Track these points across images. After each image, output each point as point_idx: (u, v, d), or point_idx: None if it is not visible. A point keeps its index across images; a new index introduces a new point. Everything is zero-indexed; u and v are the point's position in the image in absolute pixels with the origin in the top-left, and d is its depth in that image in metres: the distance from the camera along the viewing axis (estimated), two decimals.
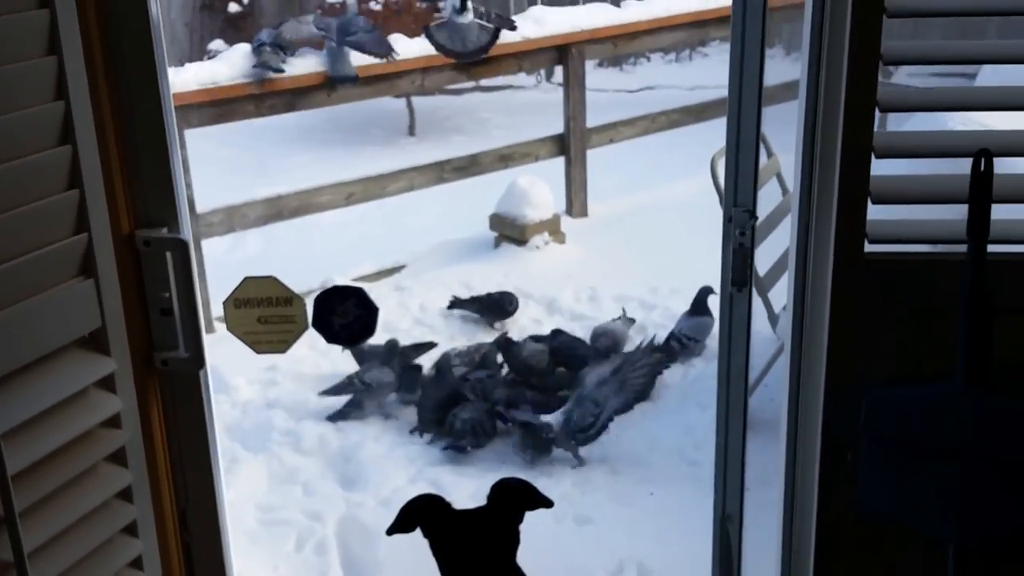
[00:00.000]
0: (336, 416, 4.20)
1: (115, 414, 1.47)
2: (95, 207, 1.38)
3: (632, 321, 4.84)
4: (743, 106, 1.64)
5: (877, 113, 1.56)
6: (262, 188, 5.60)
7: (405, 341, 4.61)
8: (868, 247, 1.60)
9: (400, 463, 3.87)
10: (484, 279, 5.26)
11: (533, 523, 1.64)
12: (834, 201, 1.57)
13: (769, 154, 4.45)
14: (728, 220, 1.74)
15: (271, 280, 1.62)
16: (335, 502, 3.58)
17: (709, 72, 9.52)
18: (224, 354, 3.96)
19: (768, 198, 4.22)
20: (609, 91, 8.88)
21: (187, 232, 1.54)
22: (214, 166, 6.25)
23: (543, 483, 1.65)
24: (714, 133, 5.06)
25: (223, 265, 5.17)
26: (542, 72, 9.79)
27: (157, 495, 1.58)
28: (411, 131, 8.84)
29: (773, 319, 3.95)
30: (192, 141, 4.77)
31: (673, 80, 9.77)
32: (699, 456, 3.79)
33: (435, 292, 5.32)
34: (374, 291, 4.21)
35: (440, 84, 6.54)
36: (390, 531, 1.61)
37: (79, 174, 1.35)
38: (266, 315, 1.63)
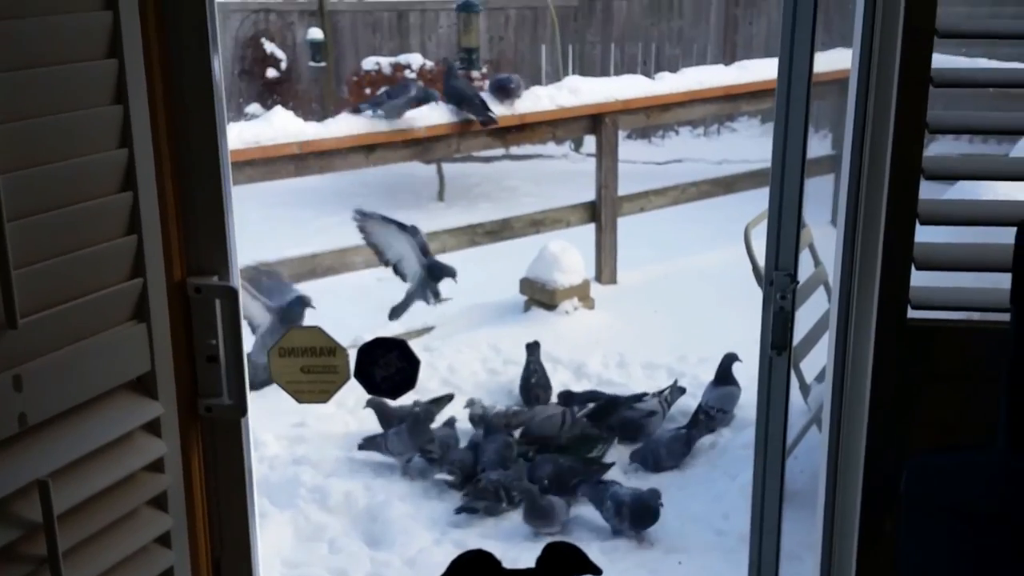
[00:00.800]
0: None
1: (159, 458, 1.47)
2: (151, 253, 1.41)
3: (682, 391, 4.73)
4: (787, 166, 1.66)
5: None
6: (295, 247, 5.66)
7: None
8: (911, 313, 1.61)
9: (425, 523, 3.85)
10: (513, 342, 5.27)
11: None
12: (877, 267, 1.57)
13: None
14: (769, 284, 1.75)
15: (316, 330, 1.64)
16: (360, 561, 3.57)
17: (737, 147, 9.58)
18: (253, 409, 3.97)
19: (799, 269, 4.21)
20: (637, 163, 8.95)
21: (236, 281, 1.56)
22: (248, 225, 6.32)
23: None
24: (744, 206, 5.09)
25: None
26: (571, 142, 9.88)
27: (194, 543, 1.58)
28: (440, 197, 8.91)
29: (805, 389, 3.93)
30: None
31: (701, 154, 9.83)
32: (727, 526, 3.76)
33: (464, 354, 5.33)
34: None
35: (474, 149, 6.65)
36: None
37: (138, 220, 1.37)
38: (309, 365, 1.64)
